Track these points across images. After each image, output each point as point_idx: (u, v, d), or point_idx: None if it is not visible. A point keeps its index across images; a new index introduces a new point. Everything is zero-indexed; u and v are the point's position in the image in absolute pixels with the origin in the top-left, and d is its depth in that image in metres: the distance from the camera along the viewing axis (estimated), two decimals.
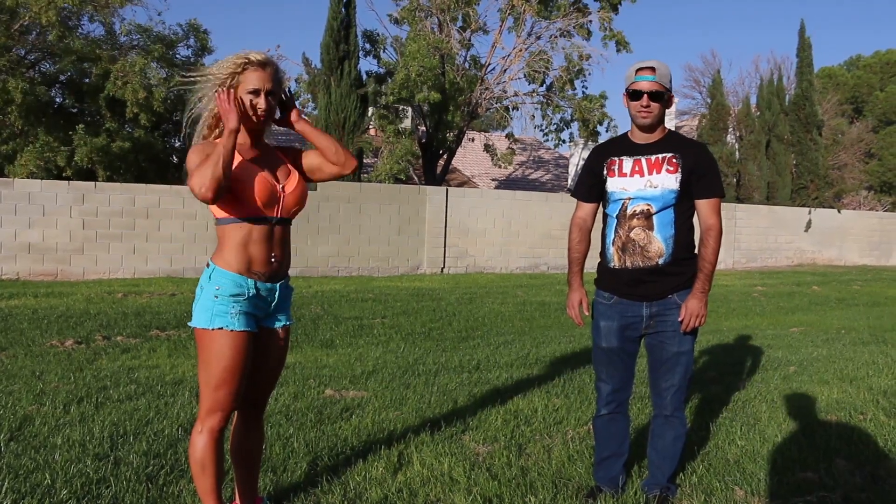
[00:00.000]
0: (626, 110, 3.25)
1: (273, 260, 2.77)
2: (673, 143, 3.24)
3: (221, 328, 2.66)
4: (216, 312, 2.67)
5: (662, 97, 3.14)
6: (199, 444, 2.70)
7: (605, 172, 3.30)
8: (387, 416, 4.62)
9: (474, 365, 6.32)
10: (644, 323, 3.28)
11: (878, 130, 36.52)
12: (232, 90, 2.66)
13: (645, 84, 3.13)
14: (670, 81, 3.17)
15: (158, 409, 4.59)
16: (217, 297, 2.67)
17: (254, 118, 2.71)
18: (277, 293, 2.83)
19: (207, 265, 2.75)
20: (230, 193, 2.65)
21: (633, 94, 3.16)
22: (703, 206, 3.22)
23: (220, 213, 2.72)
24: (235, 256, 2.70)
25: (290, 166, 2.88)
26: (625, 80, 3.23)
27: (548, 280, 14.98)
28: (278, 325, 2.90)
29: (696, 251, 3.28)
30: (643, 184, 3.19)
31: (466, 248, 16.47)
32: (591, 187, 3.40)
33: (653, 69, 3.12)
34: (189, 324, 2.77)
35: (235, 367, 2.69)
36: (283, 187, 2.78)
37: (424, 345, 7.31)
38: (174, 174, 20.04)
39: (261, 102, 2.68)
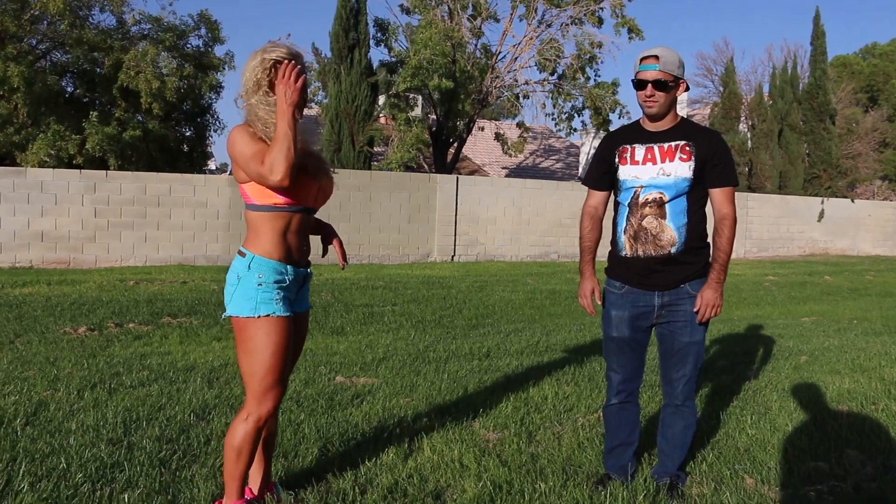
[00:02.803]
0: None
1: (304, 247, 2.86)
2: (686, 130, 3.20)
3: (269, 315, 2.70)
4: (261, 300, 2.70)
5: (667, 86, 3.10)
6: (241, 431, 2.73)
7: (616, 160, 3.28)
8: (397, 402, 4.64)
9: (484, 352, 6.34)
10: (655, 313, 3.27)
11: (894, 120, 36.15)
12: (296, 64, 2.63)
13: (649, 73, 3.10)
14: (680, 67, 3.12)
15: (170, 395, 4.63)
16: (261, 284, 2.71)
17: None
18: (304, 278, 2.92)
19: (242, 254, 2.76)
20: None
21: (638, 84, 3.14)
22: (718, 195, 3.20)
23: (260, 201, 2.72)
24: (275, 244, 2.74)
25: (319, 157, 2.92)
26: (633, 65, 3.21)
27: (558, 268, 14.96)
28: (301, 309, 2.96)
29: (708, 240, 3.26)
30: (656, 172, 3.16)
31: (477, 237, 16.47)
32: (602, 175, 3.39)
33: (657, 58, 3.08)
34: (226, 314, 2.78)
35: (283, 351, 2.74)
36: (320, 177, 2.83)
37: (435, 332, 7.32)
38: (185, 163, 20.10)
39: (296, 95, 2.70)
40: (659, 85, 3.09)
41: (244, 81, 2.74)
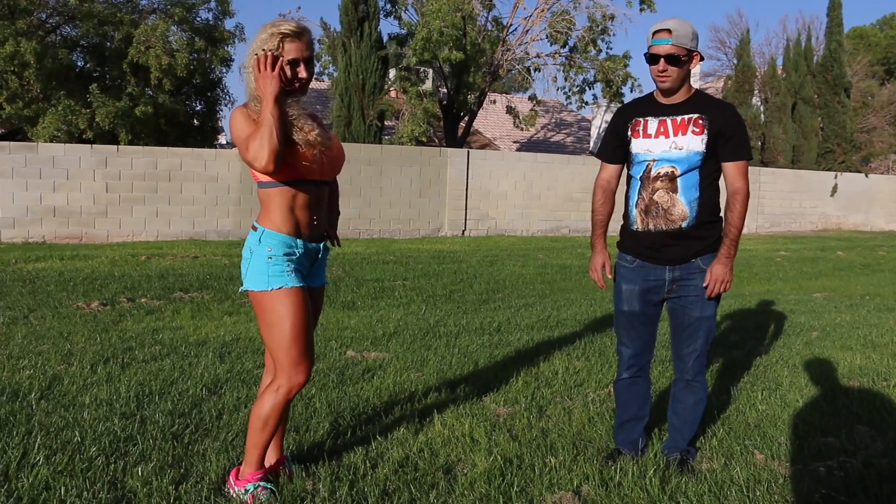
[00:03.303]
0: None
1: (315, 221, 2.85)
2: (699, 103, 3.16)
3: (281, 287, 2.72)
4: (272, 273, 2.73)
5: (679, 60, 3.04)
6: (270, 401, 2.78)
7: (629, 133, 3.25)
8: (408, 377, 4.66)
9: (495, 327, 6.34)
10: (666, 287, 3.26)
11: None
12: (271, 53, 2.65)
13: (662, 48, 3.04)
14: (693, 40, 3.06)
15: (182, 370, 4.66)
16: (271, 258, 2.73)
17: (296, 86, 2.74)
18: (320, 253, 2.93)
19: (254, 228, 2.80)
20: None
21: (650, 58, 3.09)
22: (730, 168, 3.16)
23: (266, 177, 2.74)
24: (283, 219, 2.76)
25: (327, 130, 2.92)
26: (646, 38, 3.17)
27: (569, 243, 14.93)
28: (316, 284, 2.98)
29: (720, 214, 3.24)
30: (668, 145, 3.13)
31: (488, 211, 16.43)
32: (615, 148, 3.36)
33: (669, 31, 3.02)
34: (242, 288, 2.81)
35: (302, 321, 2.77)
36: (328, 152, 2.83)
37: (445, 307, 7.33)
38: (196, 137, 20.08)
39: (302, 71, 2.72)
40: (672, 59, 3.04)
41: (249, 53, 2.74)
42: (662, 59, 3.05)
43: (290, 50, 2.68)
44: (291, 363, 2.77)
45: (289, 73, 2.70)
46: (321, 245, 2.93)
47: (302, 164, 2.71)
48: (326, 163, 2.83)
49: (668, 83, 3.10)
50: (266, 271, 2.73)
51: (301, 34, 2.70)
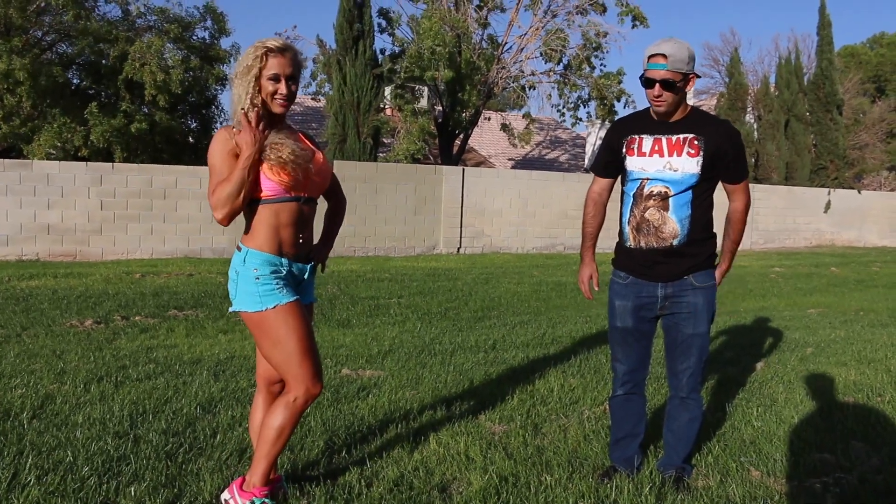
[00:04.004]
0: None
1: (301, 240, 2.84)
2: (695, 121, 3.15)
3: (276, 305, 2.72)
4: (263, 293, 2.72)
5: (675, 86, 3.02)
6: (287, 413, 2.77)
7: (624, 150, 3.24)
8: (403, 395, 4.65)
9: (490, 345, 6.34)
10: (659, 304, 3.26)
11: None
12: (258, 110, 2.70)
13: (657, 73, 3.01)
14: (689, 62, 3.03)
15: (177, 388, 4.64)
16: (258, 278, 2.72)
17: (276, 104, 2.76)
18: (307, 273, 2.92)
19: (238, 248, 2.79)
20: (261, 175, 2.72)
21: (646, 82, 3.06)
22: (731, 189, 3.22)
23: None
24: (266, 237, 2.76)
25: (313, 146, 2.93)
26: (642, 59, 3.16)
27: (564, 260, 14.95)
28: (304, 302, 2.96)
29: (713, 230, 3.25)
30: (662, 165, 3.13)
31: (483, 229, 16.45)
32: (608, 163, 3.36)
33: (665, 56, 2.99)
34: (232, 309, 2.80)
35: (307, 333, 2.78)
36: (310, 167, 2.83)
37: (440, 324, 7.32)
38: (191, 155, 20.09)
39: (281, 87, 2.73)
40: (667, 85, 3.02)
41: (236, 65, 2.79)
42: (658, 85, 3.03)
43: (273, 65, 2.71)
44: (307, 374, 2.76)
45: (270, 87, 2.72)
46: (307, 266, 2.91)
47: (280, 181, 2.72)
48: (311, 179, 2.83)
49: (663, 107, 3.09)
50: (256, 291, 2.72)
51: (285, 50, 2.74)
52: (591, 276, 3.45)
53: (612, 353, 3.45)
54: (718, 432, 4.05)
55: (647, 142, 3.18)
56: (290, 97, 2.79)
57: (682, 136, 3.13)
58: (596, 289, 3.44)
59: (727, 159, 3.14)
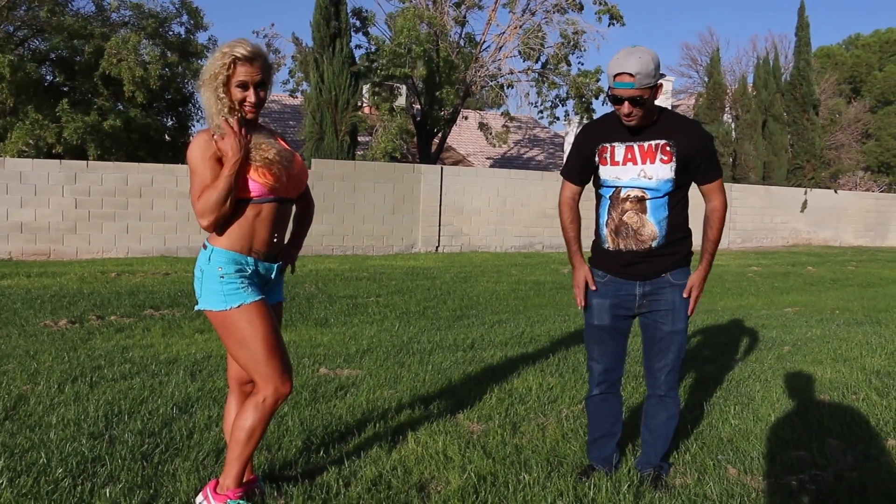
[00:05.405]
0: None
1: (275, 240, 2.83)
2: (664, 126, 3.13)
3: (241, 304, 2.69)
4: (227, 292, 2.70)
5: (643, 102, 2.98)
6: (257, 414, 2.75)
7: (596, 159, 3.22)
8: (381, 394, 4.63)
9: (469, 344, 6.33)
10: (637, 302, 3.27)
11: (876, 110, 36.43)
12: (237, 116, 2.69)
13: (625, 91, 2.96)
14: (656, 72, 2.97)
15: (153, 388, 4.59)
16: (223, 277, 2.70)
17: (245, 111, 2.73)
18: (274, 272, 2.89)
19: (204, 246, 2.76)
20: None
21: (614, 100, 3.03)
22: (706, 189, 3.23)
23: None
24: (238, 236, 2.73)
25: (289, 148, 2.91)
26: (607, 73, 3.06)
27: (543, 259, 14.98)
28: (272, 301, 2.94)
29: (689, 228, 3.27)
30: (637, 173, 3.12)
31: (461, 227, 16.45)
32: (581, 169, 3.32)
33: (632, 75, 2.92)
34: (198, 307, 2.77)
35: (273, 332, 2.75)
36: (291, 168, 2.83)
37: (419, 323, 7.31)
38: (167, 153, 19.92)
39: (250, 96, 2.71)
40: (636, 102, 2.98)
41: (202, 72, 2.75)
42: (627, 102, 2.99)
43: (241, 73, 2.68)
44: (275, 374, 2.74)
45: (238, 95, 2.70)
46: (275, 266, 2.88)
47: (265, 182, 2.71)
48: (289, 180, 2.82)
49: (634, 122, 3.06)
50: (221, 290, 2.70)
51: (254, 59, 2.69)
52: (586, 277, 3.40)
53: (588, 352, 3.45)
54: (696, 430, 4.07)
55: (620, 150, 3.15)
56: (259, 104, 2.76)
57: (653, 143, 3.11)
58: (593, 288, 3.36)
59: (698, 161, 3.15)
